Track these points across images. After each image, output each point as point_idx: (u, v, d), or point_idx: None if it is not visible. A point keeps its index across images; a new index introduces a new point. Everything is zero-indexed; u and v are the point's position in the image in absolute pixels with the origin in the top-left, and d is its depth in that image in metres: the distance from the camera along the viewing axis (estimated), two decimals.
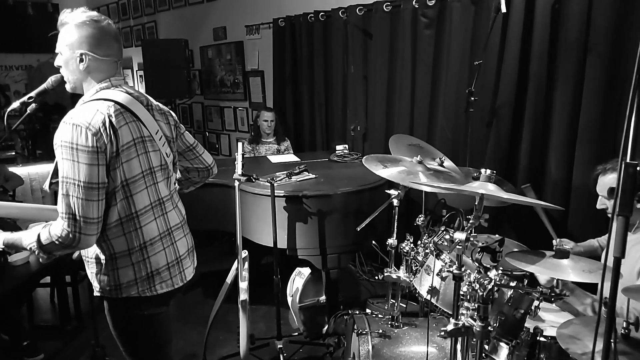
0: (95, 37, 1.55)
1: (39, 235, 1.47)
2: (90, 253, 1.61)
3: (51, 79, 1.71)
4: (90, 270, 1.63)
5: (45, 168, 5.81)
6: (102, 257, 1.58)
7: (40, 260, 1.53)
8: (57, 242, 1.45)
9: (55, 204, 1.51)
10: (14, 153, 6.33)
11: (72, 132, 1.44)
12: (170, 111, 1.84)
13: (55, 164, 1.54)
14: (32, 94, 1.70)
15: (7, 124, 1.79)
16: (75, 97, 1.67)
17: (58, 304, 3.42)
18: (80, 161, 1.43)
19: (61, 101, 7.36)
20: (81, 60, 1.55)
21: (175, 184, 1.86)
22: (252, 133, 4.53)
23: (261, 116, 4.35)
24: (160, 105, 1.80)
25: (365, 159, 2.28)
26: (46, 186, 1.61)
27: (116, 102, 1.54)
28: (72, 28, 1.54)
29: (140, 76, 6.68)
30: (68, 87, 1.64)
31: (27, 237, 1.51)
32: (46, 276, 3.27)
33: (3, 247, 1.56)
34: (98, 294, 1.64)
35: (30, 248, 1.49)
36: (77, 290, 3.40)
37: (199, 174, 1.99)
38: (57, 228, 1.45)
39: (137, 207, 1.58)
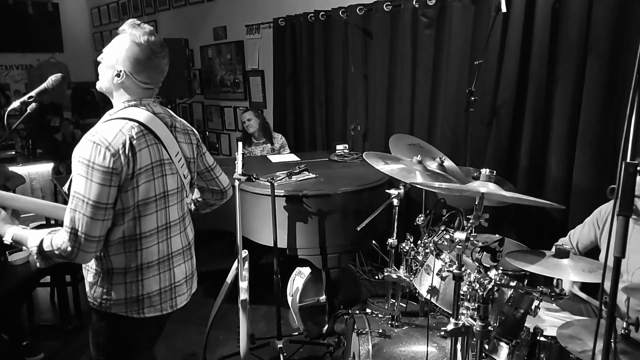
0: (142, 63, 1.54)
1: (41, 241, 1.48)
2: (90, 263, 1.60)
3: (51, 79, 1.70)
4: (88, 279, 1.63)
5: (46, 168, 5.81)
6: (100, 270, 1.58)
7: (37, 264, 1.52)
8: (55, 252, 1.46)
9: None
10: (14, 152, 6.33)
11: (91, 149, 1.43)
12: (194, 130, 1.82)
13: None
14: (32, 93, 1.69)
15: (7, 123, 1.79)
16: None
17: (58, 304, 3.41)
18: (93, 180, 1.43)
19: (57, 101, 7.37)
20: (117, 75, 1.54)
21: (190, 204, 1.85)
22: (242, 136, 4.51)
23: (241, 119, 4.33)
24: (186, 123, 1.78)
25: (366, 154, 2.27)
26: (65, 188, 1.59)
27: (140, 123, 1.53)
28: (128, 42, 1.53)
29: None
30: (98, 85, 1.63)
31: (32, 238, 1.51)
32: (46, 276, 3.26)
33: (11, 241, 1.56)
34: (90, 304, 1.65)
35: (32, 250, 1.50)
36: (77, 290, 3.40)
37: (212, 196, 1.95)
38: (58, 239, 1.46)
39: (142, 229, 1.57)
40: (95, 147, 1.43)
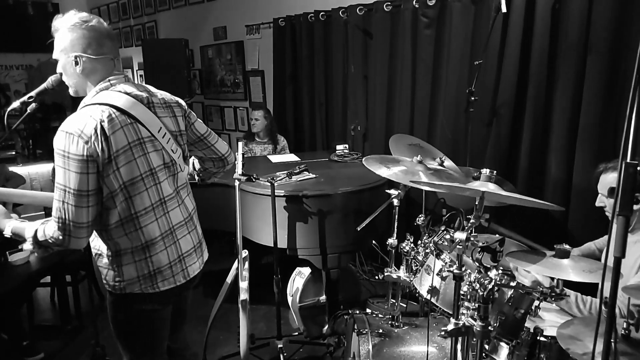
0: (86, 37, 1.56)
1: (35, 231, 1.54)
2: (100, 247, 1.65)
3: (51, 79, 1.71)
4: (99, 264, 1.67)
5: (46, 168, 5.81)
6: (109, 252, 1.63)
7: (36, 254, 1.60)
8: (50, 241, 1.53)
9: None
10: (14, 153, 6.34)
11: (65, 140, 1.47)
12: (179, 100, 1.82)
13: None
14: (32, 93, 1.71)
15: (7, 123, 1.79)
16: (75, 98, 1.67)
17: (58, 304, 3.41)
18: (70, 169, 1.47)
19: (60, 101, 7.37)
20: (76, 63, 1.57)
21: (187, 178, 1.85)
22: (247, 132, 4.54)
23: (250, 115, 4.33)
24: (167, 97, 1.77)
25: (365, 159, 2.27)
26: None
27: (112, 106, 1.54)
28: (65, 32, 1.56)
29: (141, 76, 6.68)
30: (71, 91, 1.67)
31: (28, 229, 1.58)
32: (46, 276, 3.27)
33: (11, 234, 1.62)
34: (105, 287, 1.69)
35: (28, 240, 1.57)
36: (77, 290, 3.40)
37: (214, 164, 2.00)
38: (50, 228, 1.52)
39: (136, 209, 1.59)
40: (69, 136, 1.46)
